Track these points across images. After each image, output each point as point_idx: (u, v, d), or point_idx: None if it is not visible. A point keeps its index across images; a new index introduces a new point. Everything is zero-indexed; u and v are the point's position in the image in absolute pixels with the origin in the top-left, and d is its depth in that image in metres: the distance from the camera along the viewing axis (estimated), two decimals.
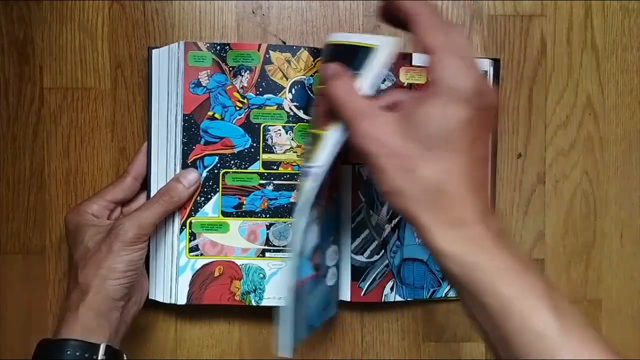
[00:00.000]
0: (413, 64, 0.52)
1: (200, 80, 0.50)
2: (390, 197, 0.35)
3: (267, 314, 0.55)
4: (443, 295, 0.55)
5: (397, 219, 0.53)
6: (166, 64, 0.51)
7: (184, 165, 0.51)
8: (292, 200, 0.51)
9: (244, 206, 0.51)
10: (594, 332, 0.32)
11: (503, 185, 0.56)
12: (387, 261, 0.53)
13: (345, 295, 0.53)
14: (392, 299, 0.54)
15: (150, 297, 0.52)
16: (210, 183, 0.51)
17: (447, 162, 0.33)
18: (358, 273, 0.53)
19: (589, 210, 0.57)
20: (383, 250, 0.53)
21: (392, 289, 0.54)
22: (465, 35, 0.39)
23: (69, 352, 0.42)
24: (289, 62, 0.50)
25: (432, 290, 0.54)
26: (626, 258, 0.57)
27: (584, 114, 0.57)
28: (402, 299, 0.54)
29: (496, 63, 0.54)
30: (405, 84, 0.52)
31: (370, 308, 0.56)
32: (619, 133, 0.57)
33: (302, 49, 0.50)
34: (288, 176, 0.51)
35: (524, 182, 0.57)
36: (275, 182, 0.51)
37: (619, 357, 0.31)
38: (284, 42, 0.55)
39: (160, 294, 0.52)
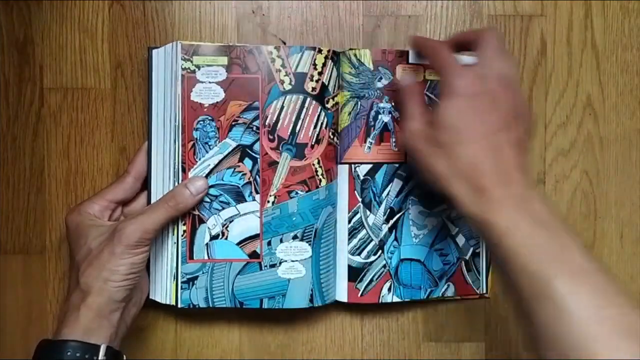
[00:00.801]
0: (409, 61, 0.53)
1: None
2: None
3: (267, 314, 0.55)
4: (440, 294, 0.55)
5: (394, 219, 0.53)
6: (163, 65, 0.51)
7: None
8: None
9: None
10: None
11: None
12: (384, 262, 0.53)
13: (342, 296, 0.54)
14: (389, 300, 0.54)
15: (150, 298, 0.52)
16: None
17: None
18: (355, 274, 0.53)
19: (589, 210, 0.57)
20: (380, 251, 0.53)
21: (389, 289, 0.54)
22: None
23: (69, 353, 0.42)
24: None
25: (429, 290, 0.54)
26: (626, 258, 0.57)
27: (584, 114, 0.57)
28: (399, 300, 0.54)
29: None
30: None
31: (370, 308, 0.56)
32: (619, 133, 0.57)
33: None
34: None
35: None
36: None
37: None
38: (284, 42, 0.55)
39: (159, 295, 0.52)
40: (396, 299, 0.54)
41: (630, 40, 0.57)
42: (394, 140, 0.53)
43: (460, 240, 0.55)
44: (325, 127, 0.52)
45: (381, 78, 0.52)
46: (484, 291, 0.56)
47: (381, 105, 0.52)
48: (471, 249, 0.55)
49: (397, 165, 0.53)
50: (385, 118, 0.53)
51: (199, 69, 0.50)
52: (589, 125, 0.57)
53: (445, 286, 0.55)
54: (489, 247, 0.41)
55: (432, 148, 0.43)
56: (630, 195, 0.57)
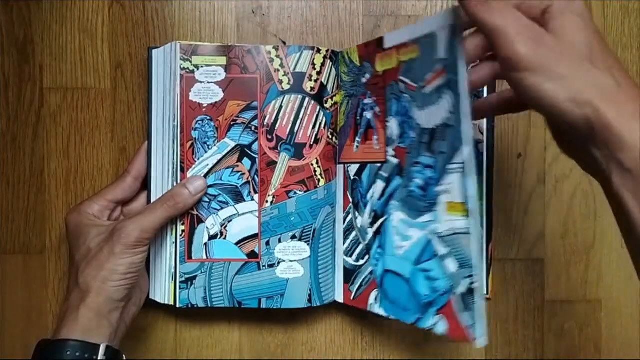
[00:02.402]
0: (385, 47, 0.48)
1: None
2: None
3: (267, 314, 0.55)
4: (428, 327, 0.46)
5: (377, 224, 0.50)
6: (162, 65, 0.51)
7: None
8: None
9: None
10: None
11: (503, 185, 0.56)
12: (370, 268, 0.51)
13: (339, 296, 0.54)
14: (376, 311, 0.50)
15: (150, 297, 0.52)
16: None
17: None
18: (348, 275, 0.53)
19: (589, 210, 0.57)
20: (367, 256, 0.51)
21: (376, 299, 0.51)
22: None
23: (69, 353, 0.42)
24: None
25: (417, 317, 0.47)
26: (626, 258, 0.57)
27: None
28: (385, 315, 0.50)
29: None
30: (381, 73, 0.49)
31: None
32: None
33: None
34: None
35: (524, 182, 0.56)
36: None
37: None
38: (284, 42, 0.55)
39: (159, 295, 0.52)
40: (382, 313, 0.50)
41: (630, 40, 0.56)
42: (376, 138, 0.50)
43: (452, 265, 0.44)
44: (324, 127, 0.52)
45: (365, 73, 0.51)
46: (481, 336, 0.42)
47: (365, 101, 0.51)
48: (466, 282, 0.42)
49: (378, 165, 0.50)
50: (368, 115, 0.51)
51: (197, 69, 0.50)
52: None
53: (435, 320, 0.45)
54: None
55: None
56: None
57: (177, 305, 0.51)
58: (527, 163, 0.56)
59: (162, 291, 0.52)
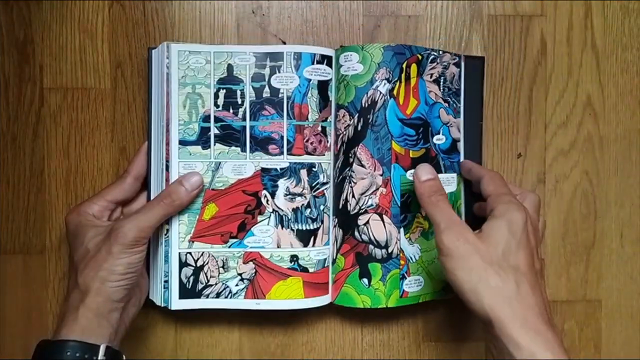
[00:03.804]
0: None
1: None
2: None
3: (267, 314, 0.55)
4: None
5: None
6: (158, 66, 0.51)
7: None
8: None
9: None
10: None
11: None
12: None
13: None
14: None
15: (150, 298, 0.52)
16: None
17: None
18: None
19: (589, 210, 0.57)
20: None
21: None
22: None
23: (68, 353, 0.42)
24: None
25: None
26: (626, 258, 0.57)
27: (584, 114, 0.57)
28: None
29: (479, 61, 0.55)
30: None
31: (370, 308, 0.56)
32: (619, 133, 0.57)
33: None
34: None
35: (524, 182, 0.57)
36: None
37: None
38: (284, 42, 0.55)
39: (156, 297, 0.52)
40: None
41: (630, 40, 0.57)
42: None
43: None
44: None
45: None
46: None
47: None
48: None
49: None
50: None
51: None
52: (589, 125, 0.57)
53: None
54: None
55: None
56: (630, 195, 0.57)
57: (169, 307, 0.51)
58: (527, 163, 0.56)
59: (158, 293, 0.51)
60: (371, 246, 0.51)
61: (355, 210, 0.51)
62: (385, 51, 0.50)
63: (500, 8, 0.56)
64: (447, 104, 0.54)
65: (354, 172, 0.51)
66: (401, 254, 0.52)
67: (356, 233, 0.51)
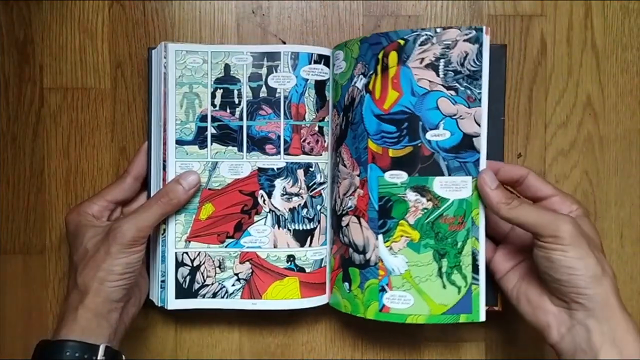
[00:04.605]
0: None
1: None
2: None
3: (267, 314, 0.55)
4: None
5: None
6: (157, 66, 0.51)
7: None
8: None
9: None
10: None
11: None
12: None
13: None
14: None
15: (149, 298, 0.52)
16: None
17: None
18: None
19: (589, 210, 0.57)
20: None
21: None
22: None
23: (68, 353, 0.42)
24: None
25: None
26: (626, 258, 0.57)
27: (584, 114, 0.57)
28: None
29: (500, 50, 0.51)
30: None
31: None
32: (619, 133, 0.57)
33: None
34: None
35: None
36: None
37: None
38: (284, 42, 0.55)
39: (155, 297, 0.52)
40: None
41: (630, 40, 0.56)
42: None
43: None
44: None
45: None
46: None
47: None
48: None
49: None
50: None
51: None
52: (589, 125, 0.57)
53: None
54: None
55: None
56: (630, 195, 0.57)
57: (165, 307, 0.51)
58: (527, 163, 0.56)
59: (156, 293, 0.51)
60: (351, 249, 0.50)
61: (340, 211, 0.51)
62: (361, 44, 0.49)
63: (500, 8, 0.56)
64: (452, 92, 0.46)
65: (339, 172, 0.51)
66: (380, 263, 0.48)
67: (340, 234, 0.51)
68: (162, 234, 0.50)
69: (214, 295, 0.51)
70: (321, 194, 0.52)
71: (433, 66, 0.46)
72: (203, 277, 0.51)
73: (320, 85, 0.51)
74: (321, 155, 0.51)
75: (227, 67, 0.50)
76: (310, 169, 0.51)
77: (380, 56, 0.47)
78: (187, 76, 0.50)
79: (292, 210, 0.51)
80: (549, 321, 0.44)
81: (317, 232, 0.51)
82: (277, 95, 0.50)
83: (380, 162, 0.48)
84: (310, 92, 0.51)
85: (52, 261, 0.55)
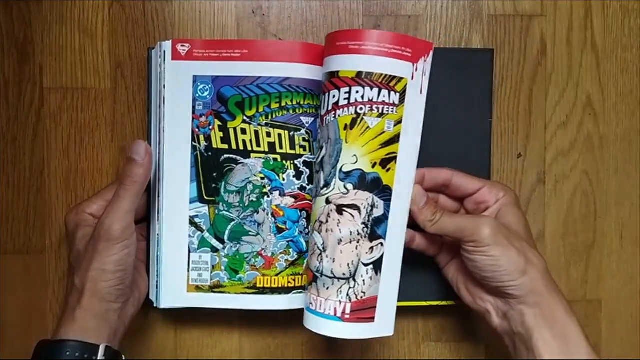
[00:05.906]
0: None
1: None
2: None
3: (267, 314, 0.55)
4: None
5: None
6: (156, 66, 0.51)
7: None
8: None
9: None
10: None
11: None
12: None
13: None
14: None
15: (149, 298, 0.51)
16: None
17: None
18: None
19: (589, 210, 0.57)
20: None
21: None
22: None
23: (68, 353, 0.42)
24: None
25: None
26: (626, 258, 0.57)
27: (584, 114, 0.57)
28: None
29: (488, 53, 0.53)
30: None
31: None
32: (619, 133, 0.57)
33: None
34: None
35: (524, 182, 0.57)
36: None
37: None
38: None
39: (153, 297, 0.51)
40: None
41: (630, 40, 0.57)
42: None
43: None
44: None
45: None
46: None
47: None
48: None
49: None
50: None
51: None
52: (589, 125, 0.57)
53: None
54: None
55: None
56: (630, 195, 0.57)
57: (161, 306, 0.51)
58: (527, 163, 0.56)
59: (153, 293, 0.51)
60: None
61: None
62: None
63: (500, 8, 0.56)
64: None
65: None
66: None
67: None
68: (158, 234, 0.50)
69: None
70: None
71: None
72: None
73: None
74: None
75: None
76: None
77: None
78: None
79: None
80: (488, 308, 0.48)
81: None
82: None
83: None
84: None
85: (52, 261, 0.55)
